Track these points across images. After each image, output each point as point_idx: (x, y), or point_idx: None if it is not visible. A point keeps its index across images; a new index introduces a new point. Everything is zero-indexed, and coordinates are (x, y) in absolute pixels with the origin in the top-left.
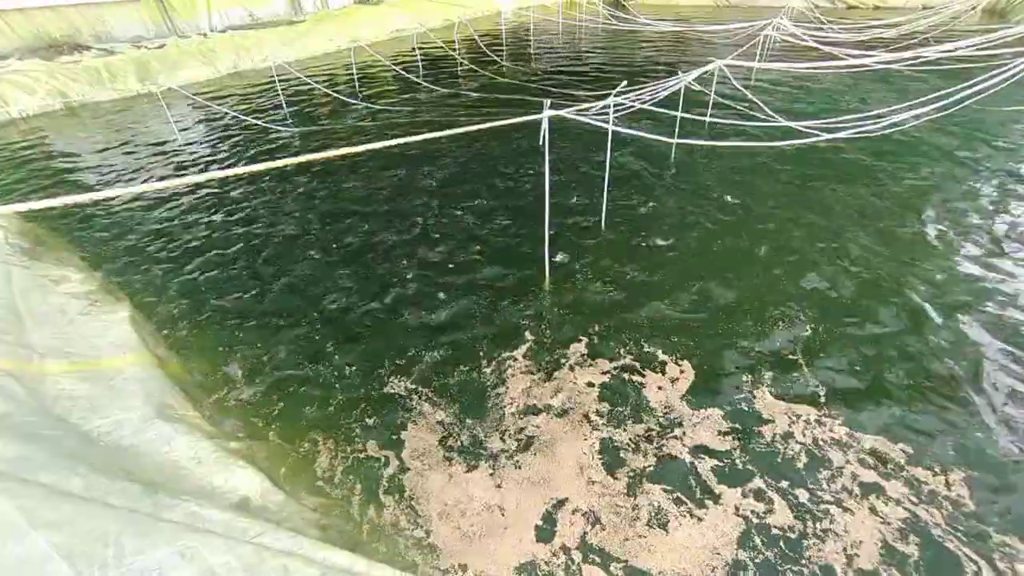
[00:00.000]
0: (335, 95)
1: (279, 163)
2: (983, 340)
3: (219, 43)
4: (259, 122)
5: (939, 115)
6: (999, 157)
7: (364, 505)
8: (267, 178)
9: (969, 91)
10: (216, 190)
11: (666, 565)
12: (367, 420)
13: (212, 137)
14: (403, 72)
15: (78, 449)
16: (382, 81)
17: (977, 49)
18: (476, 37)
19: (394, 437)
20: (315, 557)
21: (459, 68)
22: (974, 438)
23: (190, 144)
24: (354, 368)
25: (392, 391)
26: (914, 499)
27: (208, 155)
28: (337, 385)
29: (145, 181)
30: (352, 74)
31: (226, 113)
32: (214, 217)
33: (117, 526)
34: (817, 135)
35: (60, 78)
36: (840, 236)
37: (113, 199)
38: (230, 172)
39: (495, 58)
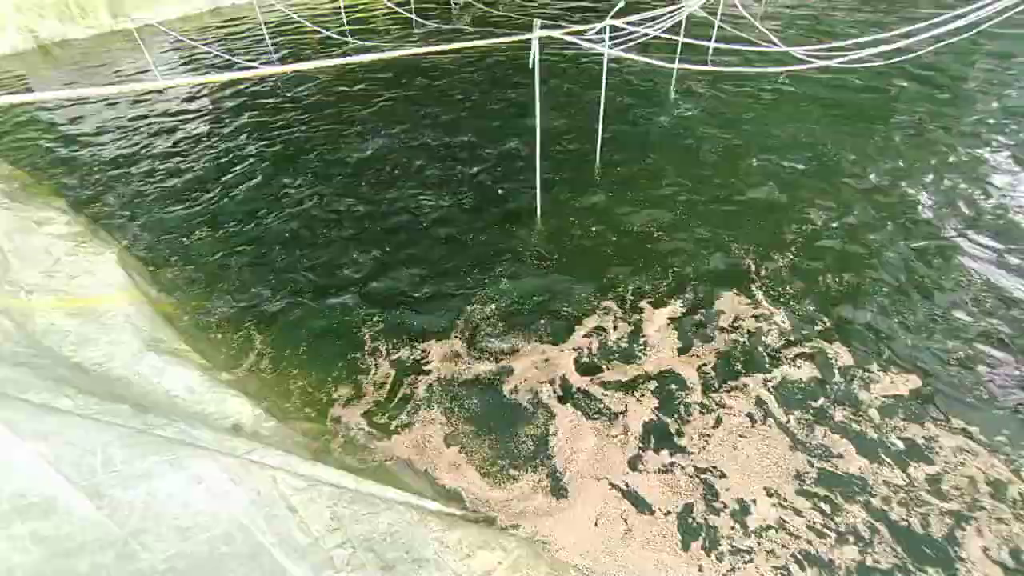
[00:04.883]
0: (322, 31)
1: (258, 72)
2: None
3: None
4: (244, 60)
5: (952, 40)
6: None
7: (354, 429)
8: (248, 108)
9: (979, 13)
10: (192, 134)
11: None
12: (358, 350)
13: (195, 76)
14: (395, 7)
15: (68, 376)
16: (372, 16)
17: None
18: None
19: (384, 365)
20: (301, 471)
21: (453, 4)
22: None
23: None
24: (343, 299)
25: (382, 323)
26: None
27: (190, 94)
28: (326, 316)
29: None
30: (341, 9)
31: (208, 52)
32: (190, 158)
33: (105, 438)
34: (811, 62)
35: (27, 14)
36: (833, 176)
37: (83, 136)
38: (212, 79)
39: None
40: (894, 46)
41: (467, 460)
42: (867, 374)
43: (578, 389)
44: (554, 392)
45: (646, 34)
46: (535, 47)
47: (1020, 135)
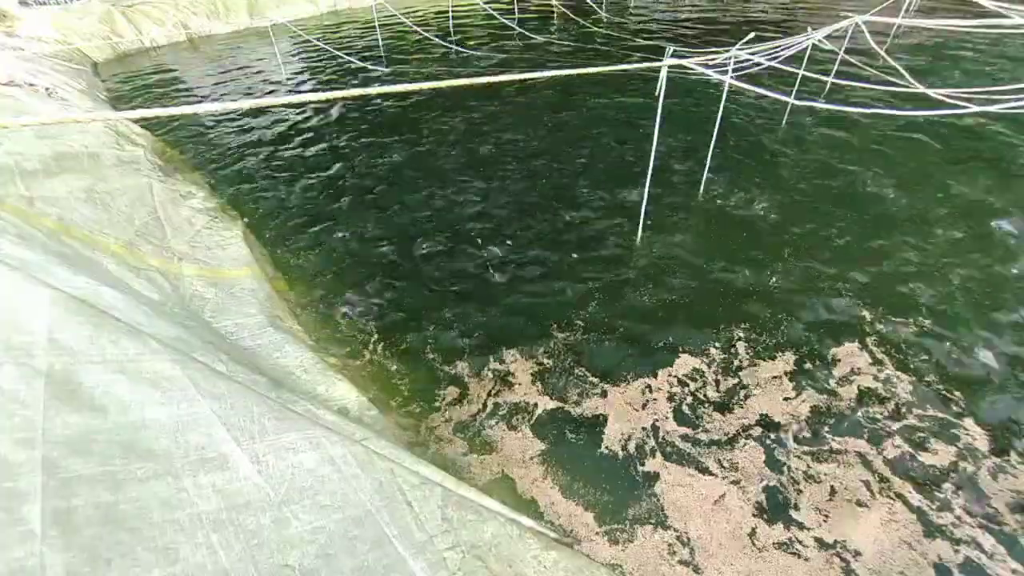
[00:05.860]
0: (432, 38)
1: (380, 90)
2: None
3: None
4: (358, 61)
5: None
6: None
7: (447, 429)
8: (361, 112)
9: None
10: (313, 127)
11: None
12: (452, 350)
13: (314, 73)
14: (500, 17)
15: (215, 341)
16: (476, 25)
17: None
18: None
19: (480, 367)
20: (412, 467)
21: (554, 15)
22: None
23: (293, 78)
24: (446, 295)
25: (480, 324)
26: None
27: (310, 90)
28: (427, 311)
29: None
30: (448, 15)
31: (328, 50)
32: (311, 149)
33: (259, 408)
34: (965, 107)
35: (184, 11)
36: (960, 236)
37: (219, 121)
38: (333, 95)
39: (594, 6)
40: None
41: (558, 486)
42: (1007, 464)
43: (672, 435)
44: (648, 435)
45: (759, 64)
46: (663, 75)
47: None
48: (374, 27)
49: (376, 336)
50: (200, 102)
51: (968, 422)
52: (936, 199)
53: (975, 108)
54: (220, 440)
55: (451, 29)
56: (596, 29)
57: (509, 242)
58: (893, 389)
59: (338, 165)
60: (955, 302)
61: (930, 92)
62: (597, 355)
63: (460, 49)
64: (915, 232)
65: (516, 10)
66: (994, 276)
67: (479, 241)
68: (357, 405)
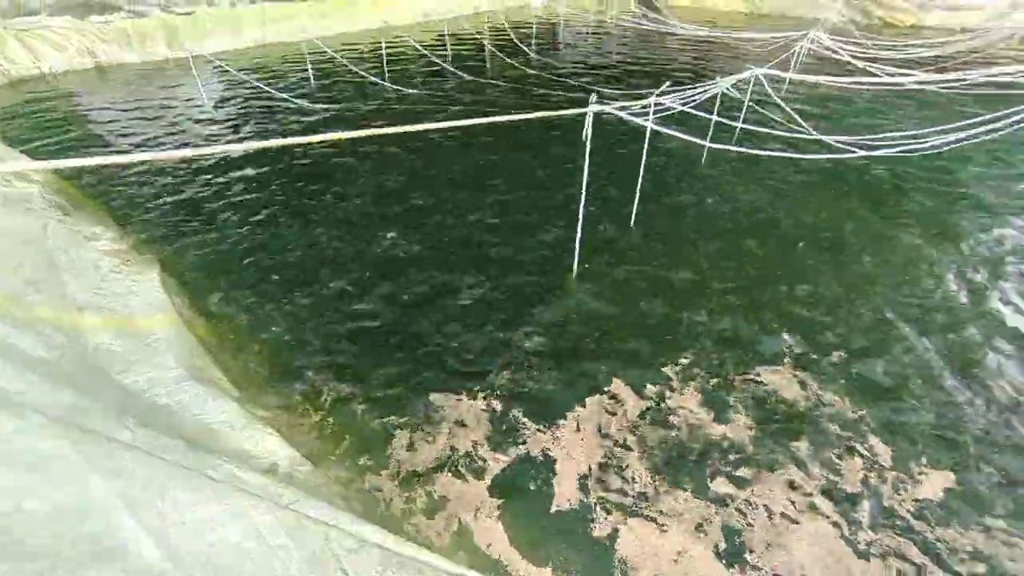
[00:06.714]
0: (363, 75)
1: (309, 139)
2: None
3: (247, 14)
4: (287, 96)
5: (986, 139)
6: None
7: (387, 482)
8: (284, 150)
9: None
10: (236, 162)
11: None
12: (389, 398)
13: (239, 108)
14: (433, 57)
15: (122, 401)
16: (410, 65)
17: None
18: (507, 27)
19: (422, 414)
20: (350, 529)
21: (487, 59)
22: None
23: (218, 111)
24: (382, 340)
25: (416, 373)
26: None
27: (237, 124)
28: (363, 357)
29: (177, 148)
30: (381, 55)
31: (255, 85)
32: (235, 187)
33: (170, 479)
34: (852, 151)
35: (90, 37)
36: (849, 255)
37: (142, 162)
38: (262, 144)
39: (525, 49)
40: (925, 143)
41: (505, 536)
42: (910, 474)
43: (619, 475)
44: (597, 478)
45: (671, 109)
46: (589, 120)
47: None
48: (304, 63)
49: (309, 385)
50: (113, 147)
51: (874, 440)
52: (841, 231)
53: (862, 152)
54: (119, 525)
55: (385, 68)
56: (527, 71)
57: (441, 278)
58: (817, 412)
59: (264, 202)
60: (867, 330)
61: (824, 138)
62: (540, 396)
63: (395, 87)
64: (827, 262)
65: (448, 49)
66: (898, 304)
67: (410, 281)
68: (288, 461)
